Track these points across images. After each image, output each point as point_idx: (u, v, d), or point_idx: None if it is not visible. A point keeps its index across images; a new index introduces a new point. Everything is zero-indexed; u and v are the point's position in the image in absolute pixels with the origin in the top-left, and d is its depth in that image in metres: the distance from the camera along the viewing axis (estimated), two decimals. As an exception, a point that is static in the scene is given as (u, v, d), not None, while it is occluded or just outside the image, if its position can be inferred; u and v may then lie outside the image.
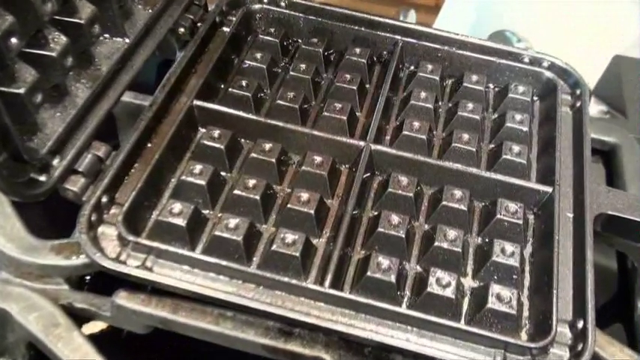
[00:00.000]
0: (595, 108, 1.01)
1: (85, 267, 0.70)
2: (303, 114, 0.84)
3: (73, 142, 0.72)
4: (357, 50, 0.92)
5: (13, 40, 0.63)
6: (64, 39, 0.70)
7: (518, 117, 0.86)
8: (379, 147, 0.79)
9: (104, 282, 0.72)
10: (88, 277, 0.75)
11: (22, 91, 0.64)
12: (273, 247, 0.69)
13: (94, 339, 0.69)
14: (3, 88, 0.63)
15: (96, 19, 0.75)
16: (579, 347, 0.65)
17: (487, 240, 0.75)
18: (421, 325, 0.65)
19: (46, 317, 0.68)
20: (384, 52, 0.95)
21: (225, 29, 0.93)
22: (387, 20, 0.95)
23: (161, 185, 0.76)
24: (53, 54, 0.68)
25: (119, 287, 0.69)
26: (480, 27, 1.11)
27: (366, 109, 0.88)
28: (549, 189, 0.77)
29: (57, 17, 0.70)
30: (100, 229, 0.70)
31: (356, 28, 0.95)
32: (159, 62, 1.02)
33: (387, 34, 0.94)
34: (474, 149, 0.82)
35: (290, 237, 0.69)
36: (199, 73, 0.87)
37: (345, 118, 0.83)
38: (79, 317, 0.70)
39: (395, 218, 0.73)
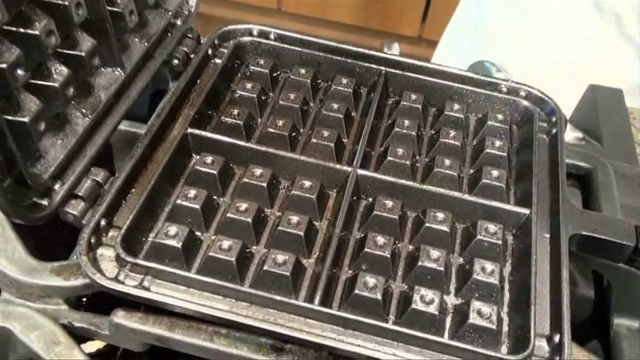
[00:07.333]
0: (571, 135, 1.05)
1: (84, 287, 0.73)
2: (292, 141, 0.88)
3: (73, 168, 0.75)
4: (344, 80, 0.97)
5: (20, 71, 0.67)
6: (65, 70, 0.73)
7: (497, 143, 0.90)
8: (365, 172, 0.83)
9: (100, 304, 0.75)
10: (85, 299, 0.78)
11: (27, 119, 0.68)
12: (265, 267, 0.72)
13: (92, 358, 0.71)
14: (9, 117, 0.67)
15: (96, 51, 0.79)
16: (556, 359, 0.69)
17: (468, 259, 0.78)
18: (407, 340, 0.68)
19: (47, 335, 0.70)
20: (369, 82, 0.99)
21: (217, 61, 0.97)
22: (372, 52, 0.99)
23: (157, 209, 0.79)
24: (56, 85, 0.72)
25: (116, 307, 0.72)
26: (475, 58, 1.16)
27: (352, 137, 0.92)
28: (527, 211, 0.81)
29: (60, 50, 0.74)
30: (99, 250, 0.73)
31: (342, 59, 0.99)
32: (151, 92, 1.06)
33: (372, 65, 0.99)
34: (456, 174, 0.86)
35: (281, 257, 0.73)
36: (193, 102, 0.91)
37: (332, 144, 0.87)
38: (77, 337, 0.73)
39: (380, 239, 0.76)
